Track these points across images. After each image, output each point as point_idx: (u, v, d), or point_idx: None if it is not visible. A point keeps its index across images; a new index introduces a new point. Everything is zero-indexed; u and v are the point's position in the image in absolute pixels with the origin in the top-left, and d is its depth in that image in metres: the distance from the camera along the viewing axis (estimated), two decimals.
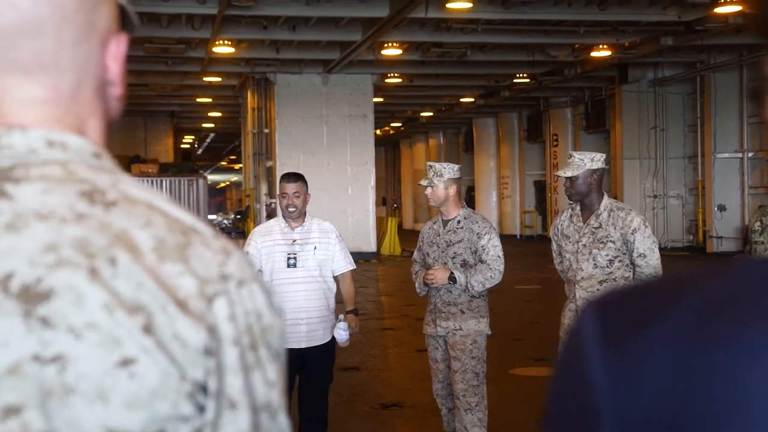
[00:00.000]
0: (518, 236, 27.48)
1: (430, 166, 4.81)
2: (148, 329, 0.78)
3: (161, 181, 23.28)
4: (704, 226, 20.00)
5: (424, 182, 4.79)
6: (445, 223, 4.79)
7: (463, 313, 4.68)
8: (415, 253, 5.02)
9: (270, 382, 0.82)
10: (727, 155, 19.38)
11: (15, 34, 0.84)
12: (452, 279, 4.60)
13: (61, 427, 0.76)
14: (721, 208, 19.49)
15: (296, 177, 4.78)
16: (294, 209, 4.64)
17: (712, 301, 0.57)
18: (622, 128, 21.33)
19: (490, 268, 4.61)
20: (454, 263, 4.67)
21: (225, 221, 26.99)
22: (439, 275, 4.61)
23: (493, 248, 4.67)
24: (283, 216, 4.72)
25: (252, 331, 0.82)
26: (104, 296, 0.77)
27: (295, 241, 4.64)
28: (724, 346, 0.55)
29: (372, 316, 11.44)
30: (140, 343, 0.77)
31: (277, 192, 4.74)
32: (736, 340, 0.55)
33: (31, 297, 0.77)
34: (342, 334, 4.68)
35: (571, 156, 4.40)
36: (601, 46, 16.54)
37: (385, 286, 15.00)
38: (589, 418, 0.59)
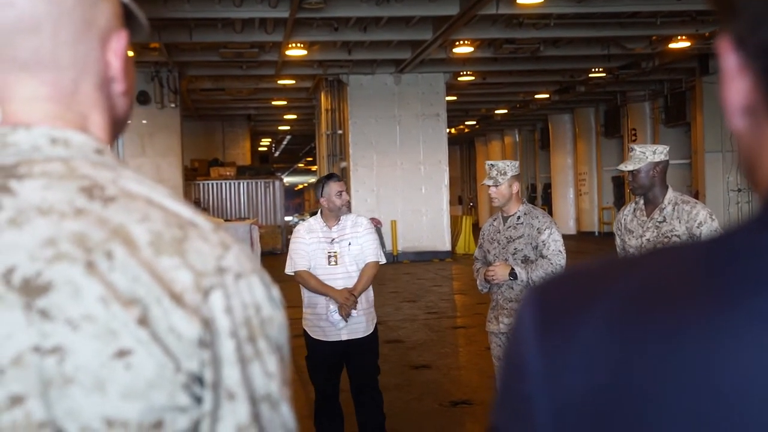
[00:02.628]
0: (596, 233, 27.00)
1: (492, 165, 4.79)
2: (143, 321, 0.80)
3: (239, 183, 23.73)
4: None
5: (489, 182, 4.74)
6: (506, 219, 4.77)
7: None
8: (477, 250, 5.01)
9: (269, 374, 0.83)
10: None
11: (13, 32, 0.86)
12: (513, 275, 4.57)
13: (61, 417, 0.79)
14: None
15: (339, 176, 5.12)
16: (349, 204, 4.93)
17: (641, 286, 0.57)
18: (703, 121, 20.73)
19: (551, 263, 4.56)
20: (515, 259, 4.65)
21: (301, 221, 27.34)
22: (499, 271, 4.60)
23: (554, 243, 4.62)
24: (333, 214, 4.89)
25: (250, 324, 0.82)
26: (100, 289, 0.79)
27: (333, 239, 4.87)
28: (652, 331, 0.54)
29: (445, 314, 11.42)
30: (135, 335, 0.79)
31: (325, 192, 4.89)
32: (663, 325, 0.54)
33: (31, 290, 0.79)
34: (334, 317, 4.76)
35: (632, 149, 4.32)
36: (679, 37, 16.11)
37: (459, 285, 14.94)
38: (524, 403, 0.59)
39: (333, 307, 4.77)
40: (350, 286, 4.80)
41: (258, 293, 0.84)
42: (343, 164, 19.51)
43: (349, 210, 4.95)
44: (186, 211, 0.86)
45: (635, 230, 4.32)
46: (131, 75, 0.96)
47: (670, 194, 4.25)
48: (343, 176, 19.48)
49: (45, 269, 0.80)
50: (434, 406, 6.41)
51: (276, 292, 0.87)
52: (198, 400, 0.82)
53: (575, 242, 25.04)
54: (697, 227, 4.12)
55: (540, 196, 31.81)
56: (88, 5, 0.89)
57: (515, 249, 4.67)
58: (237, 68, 18.56)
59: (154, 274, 0.81)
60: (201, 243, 0.84)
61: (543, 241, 4.62)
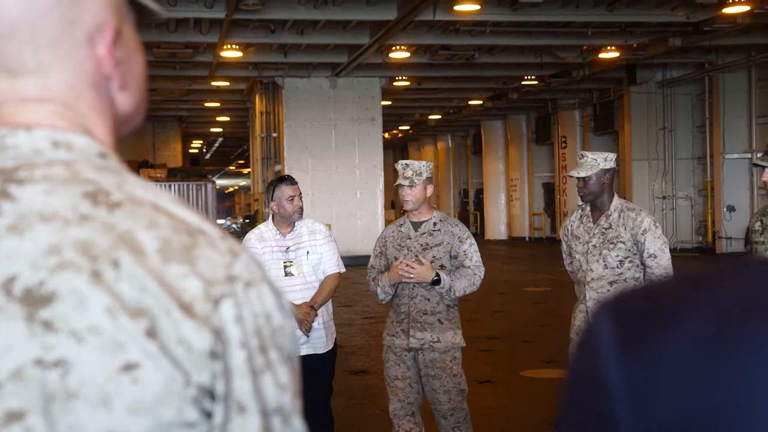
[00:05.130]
0: (527, 238, 27.42)
1: (407, 165, 4.37)
2: (151, 333, 0.76)
3: (170, 185, 23.32)
4: (713, 227, 19.91)
5: (404, 182, 4.31)
6: (417, 225, 4.42)
7: (441, 323, 4.34)
8: (373, 259, 4.55)
9: (281, 385, 0.80)
10: (735, 156, 19.30)
11: None
12: (435, 281, 4.22)
13: None
14: (730, 208, 19.40)
15: (294, 179, 4.68)
16: (301, 211, 4.55)
17: (732, 302, 0.55)
18: (630, 129, 21.27)
19: (475, 275, 4.31)
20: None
21: (234, 225, 27.06)
22: (423, 271, 4.19)
23: (475, 253, 4.36)
24: (285, 220, 4.56)
25: (261, 334, 0.80)
26: (107, 300, 0.76)
27: (288, 248, 4.53)
28: (749, 348, 0.52)
29: (381, 319, 11.42)
30: (143, 348, 0.76)
31: (276, 197, 4.54)
32: (762, 342, 0.53)
33: (34, 300, 0.76)
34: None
35: (583, 156, 4.31)
36: (609, 48, 16.50)
37: None
38: (604, 423, 0.57)
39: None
40: (308, 299, 4.45)
41: (268, 302, 0.81)
42: (278, 167, 19.38)
43: (301, 216, 4.58)
44: (193, 218, 0.83)
45: (582, 236, 4.37)
46: (137, 66, 0.91)
47: (616, 201, 4.31)
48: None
49: (48, 279, 0.76)
50: (376, 412, 6.40)
51: (286, 300, 0.84)
52: (207, 414, 0.79)
53: (506, 247, 25.36)
54: (642, 234, 4.21)
55: (472, 201, 32.14)
56: (68, 4, 0.85)
57: (433, 257, 4.33)
58: (170, 69, 18.25)
59: (162, 283, 0.77)
60: (210, 250, 0.80)
61: (464, 251, 4.34)
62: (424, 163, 4.42)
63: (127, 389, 0.75)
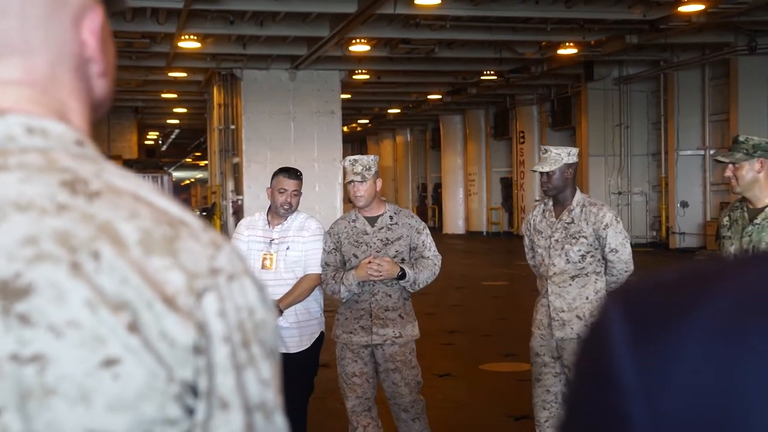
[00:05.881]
0: (485, 233, 27.59)
1: (356, 160, 4.29)
2: (133, 328, 0.74)
3: None
4: (667, 223, 20.23)
5: (356, 178, 4.23)
6: (371, 220, 4.37)
7: (402, 318, 4.34)
8: (326, 256, 4.42)
9: (264, 381, 0.79)
10: (689, 152, 19.63)
11: None
12: (400, 276, 4.22)
13: (41, 430, 0.73)
14: (684, 204, 19.73)
15: (297, 174, 4.51)
16: (289, 207, 4.42)
17: (744, 295, 0.54)
18: (587, 125, 21.51)
19: (435, 265, 4.34)
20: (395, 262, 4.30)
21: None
22: (389, 268, 4.18)
23: (432, 243, 4.38)
24: (275, 212, 4.47)
25: (244, 328, 0.78)
26: (87, 293, 0.73)
27: (272, 240, 4.43)
28: (762, 341, 0.52)
29: None
30: (125, 343, 0.73)
31: (272, 184, 4.44)
32: None
33: (9, 293, 0.73)
34: None
35: (547, 151, 4.32)
36: (567, 44, 16.65)
37: None
38: (616, 420, 0.56)
39: None
40: (279, 296, 4.31)
41: (251, 295, 0.80)
42: (236, 160, 19.21)
43: (287, 212, 4.44)
44: (174, 208, 0.81)
45: (544, 231, 4.40)
46: (110, 53, 0.89)
47: (578, 196, 4.35)
48: (235, 172, 19.18)
49: (25, 270, 0.73)
50: (336, 405, 6.38)
51: (268, 294, 0.83)
52: (189, 411, 0.76)
53: (464, 242, 25.49)
54: (604, 229, 4.25)
55: (430, 195, 32.24)
56: None
57: (396, 251, 4.31)
58: (126, 58, 17.95)
59: (144, 276, 0.75)
60: (192, 242, 0.78)
61: (422, 242, 4.35)
62: (372, 157, 4.39)
63: (107, 385, 0.73)
